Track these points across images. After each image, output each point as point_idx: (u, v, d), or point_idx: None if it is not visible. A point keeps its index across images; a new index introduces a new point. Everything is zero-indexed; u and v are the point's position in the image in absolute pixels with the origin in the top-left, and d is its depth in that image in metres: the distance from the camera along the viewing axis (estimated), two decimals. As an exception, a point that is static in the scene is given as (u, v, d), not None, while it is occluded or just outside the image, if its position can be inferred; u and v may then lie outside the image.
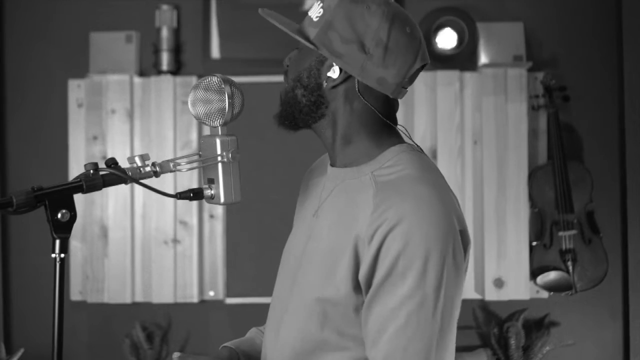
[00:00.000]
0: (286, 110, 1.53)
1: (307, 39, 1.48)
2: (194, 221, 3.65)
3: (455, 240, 1.39)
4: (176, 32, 3.73)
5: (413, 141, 1.55)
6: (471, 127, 3.62)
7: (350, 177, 1.51)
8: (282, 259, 1.66)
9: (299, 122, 1.54)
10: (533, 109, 3.65)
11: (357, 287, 1.42)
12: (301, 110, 1.51)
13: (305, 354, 1.47)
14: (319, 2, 1.50)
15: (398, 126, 1.55)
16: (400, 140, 1.53)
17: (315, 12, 1.50)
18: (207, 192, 1.47)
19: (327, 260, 1.46)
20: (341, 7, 1.46)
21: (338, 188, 1.52)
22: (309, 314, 1.46)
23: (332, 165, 1.57)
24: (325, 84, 1.48)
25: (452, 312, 1.41)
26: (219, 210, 3.65)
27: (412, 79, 1.51)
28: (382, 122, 1.51)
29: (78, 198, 1.33)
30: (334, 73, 1.47)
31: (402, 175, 1.44)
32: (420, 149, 1.54)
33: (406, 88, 1.51)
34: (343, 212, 1.47)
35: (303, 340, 1.47)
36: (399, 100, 1.55)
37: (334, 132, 1.52)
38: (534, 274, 3.57)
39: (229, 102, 1.45)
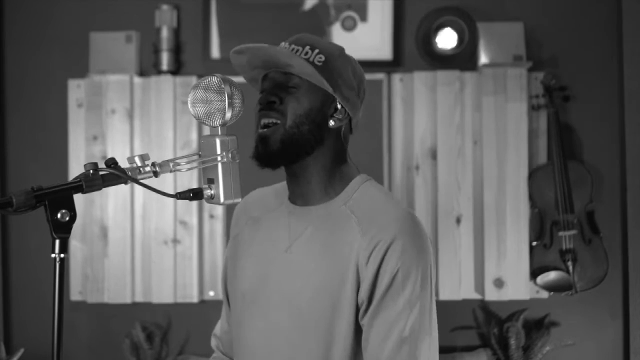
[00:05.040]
0: (290, 146, 1.61)
1: (322, 82, 1.60)
2: (194, 221, 3.65)
3: (431, 246, 1.63)
4: (176, 32, 3.73)
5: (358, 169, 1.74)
6: (471, 127, 3.61)
7: (324, 213, 1.64)
8: (248, 299, 1.71)
9: (295, 158, 1.64)
10: (533, 109, 3.65)
11: (356, 308, 1.58)
12: (304, 145, 1.61)
13: None
14: (315, 49, 1.62)
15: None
16: (354, 171, 1.71)
17: (313, 57, 1.62)
18: (207, 192, 1.47)
19: (329, 290, 1.58)
20: (341, 57, 1.66)
21: (313, 225, 1.63)
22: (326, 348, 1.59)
23: (296, 203, 1.69)
24: (332, 123, 1.63)
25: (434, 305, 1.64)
26: (219, 210, 3.65)
27: None
28: (345, 158, 1.70)
29: (78, 198, 1.33)
30: (340, 114, 1.64)
31: (375, 203, 1.64)
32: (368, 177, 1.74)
33: None
34: (329, 243, 1.60)
35: None
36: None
37: (316, 169, 1.65)
38: (534, 274, 3.57)
39: (228, 102, 1.46)
